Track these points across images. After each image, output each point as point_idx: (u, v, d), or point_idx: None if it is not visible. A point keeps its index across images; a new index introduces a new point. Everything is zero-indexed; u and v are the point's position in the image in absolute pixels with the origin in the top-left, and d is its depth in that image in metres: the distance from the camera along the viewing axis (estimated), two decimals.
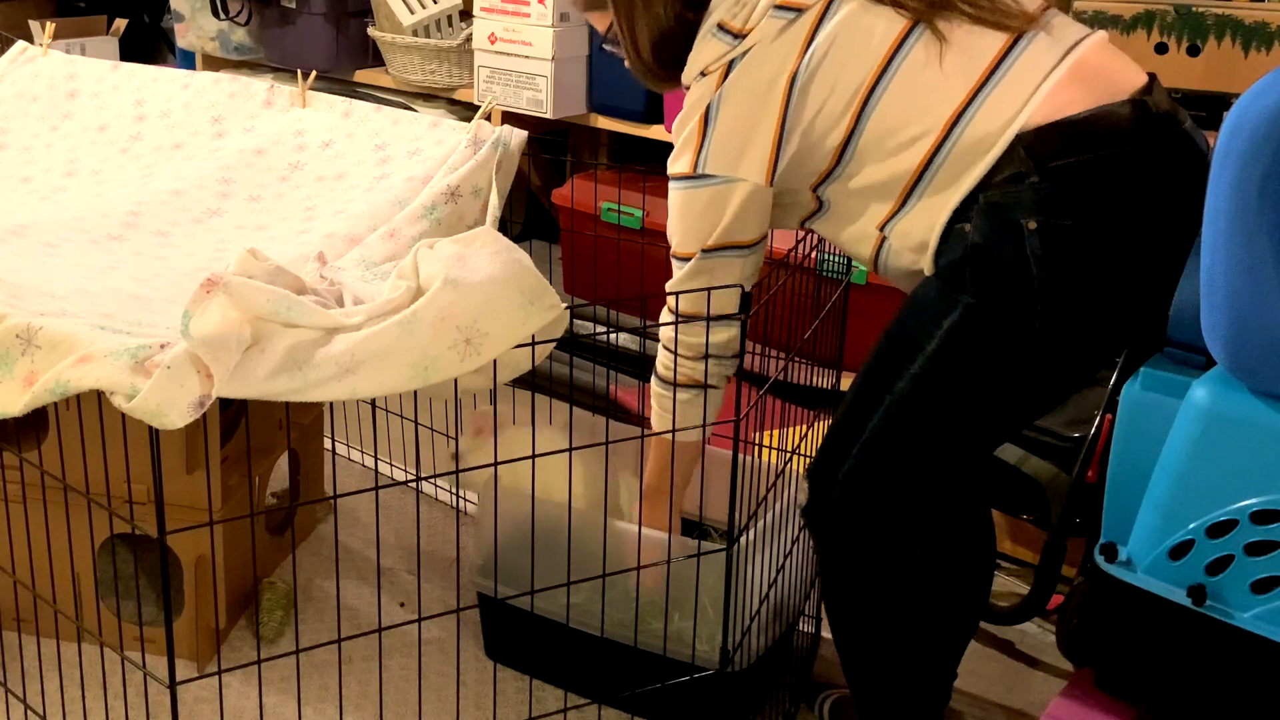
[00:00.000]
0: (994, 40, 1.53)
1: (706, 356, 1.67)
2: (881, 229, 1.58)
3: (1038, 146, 1.46)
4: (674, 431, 1.70)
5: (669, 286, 1.68)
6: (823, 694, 1.98)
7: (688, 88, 1.66)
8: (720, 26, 1.59)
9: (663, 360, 1.71)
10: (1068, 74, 1.50)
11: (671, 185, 1.64)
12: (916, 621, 1.68)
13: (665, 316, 1.69)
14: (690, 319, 1.65)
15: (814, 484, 1.65)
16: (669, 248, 1.68)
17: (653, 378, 1.74)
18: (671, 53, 1.67)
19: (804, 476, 1.67)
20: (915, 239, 1.56)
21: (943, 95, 1.51)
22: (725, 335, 1.66)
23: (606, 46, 1.79)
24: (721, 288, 1.62)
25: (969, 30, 1.53)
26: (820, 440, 1.68)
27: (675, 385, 1.69)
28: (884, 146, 1.54)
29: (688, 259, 1.65)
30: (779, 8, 1.57)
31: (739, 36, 1.57)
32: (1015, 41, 1.52)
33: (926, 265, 1.56)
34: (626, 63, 1.75)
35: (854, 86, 1.54)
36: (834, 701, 1.96)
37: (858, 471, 1.60)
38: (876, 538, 1.63)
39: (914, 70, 1.52)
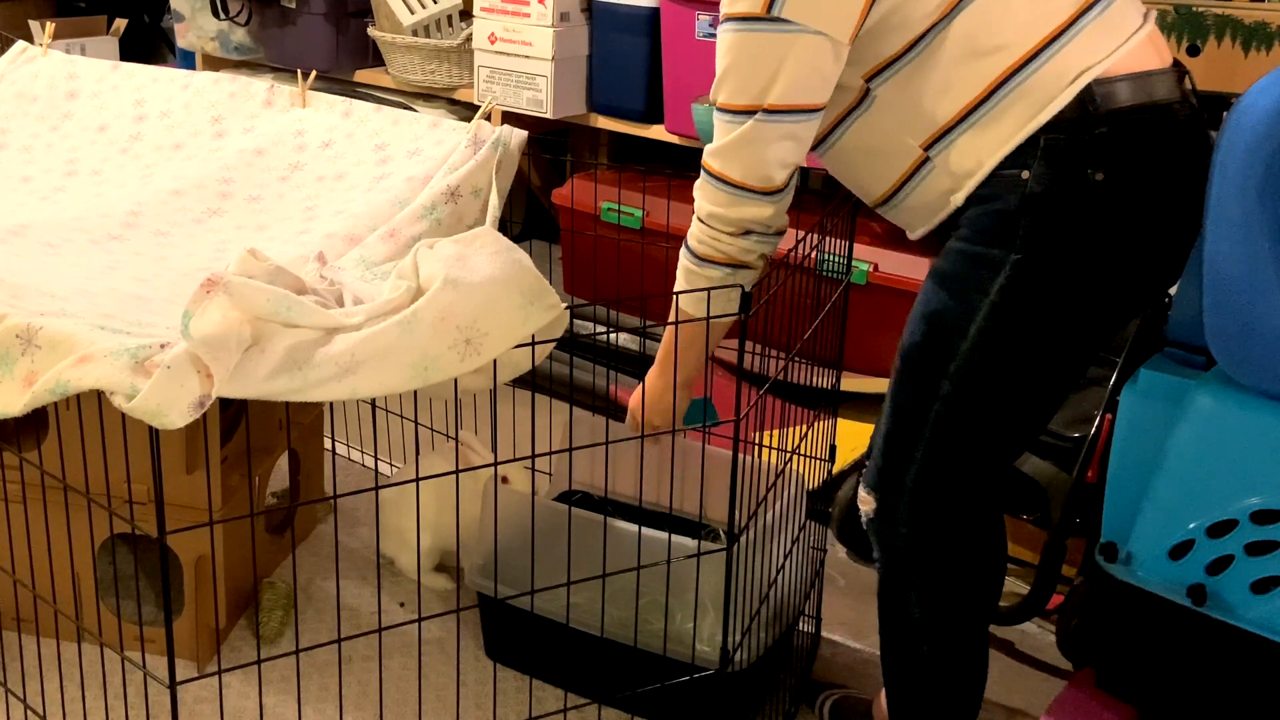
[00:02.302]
0: None
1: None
2: (927, 149, 1.51)
3: (1112, 96, 1.45)
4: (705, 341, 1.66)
5: (709, 150, 1.55)
6: (823, 694, 1.98)
7: None
8: None
9: (696, 233, 1.60)
10: (1148, 36, 1.50)
11: (728, 27, 1.49)
12: (974, 623, 1.67)
13: (703, 183, 1.57)
14: (736, 187, 1.53)
15: (882, 496, 1.61)
16: (666, 250, 1.65)
17: (683, 249, 1.63)
18: None
19: (868, 493, 1.63)
20: (964, 167, 1.49)
21: (1043, 12, 1.46)
22: (770, 210, 1.56)
23: None
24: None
25: None
26: (874, 452, 1.64)
27: (704, 260, 1.59)
28: (965, 46, 1.47)
29: (739, 113, 1.50)
30: None
31: None
32: None
33: (960, 197, 1.50)
34: None
35: None
36: (834, 702, 1.96)
37: (926, 473, 1.56)
38: (947, 539, 1.60)
39: None
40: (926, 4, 1.47)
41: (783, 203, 1.57)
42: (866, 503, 1.64)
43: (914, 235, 1.63)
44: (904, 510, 1.59)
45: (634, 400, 1.82)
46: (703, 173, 1.57)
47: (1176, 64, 1.53)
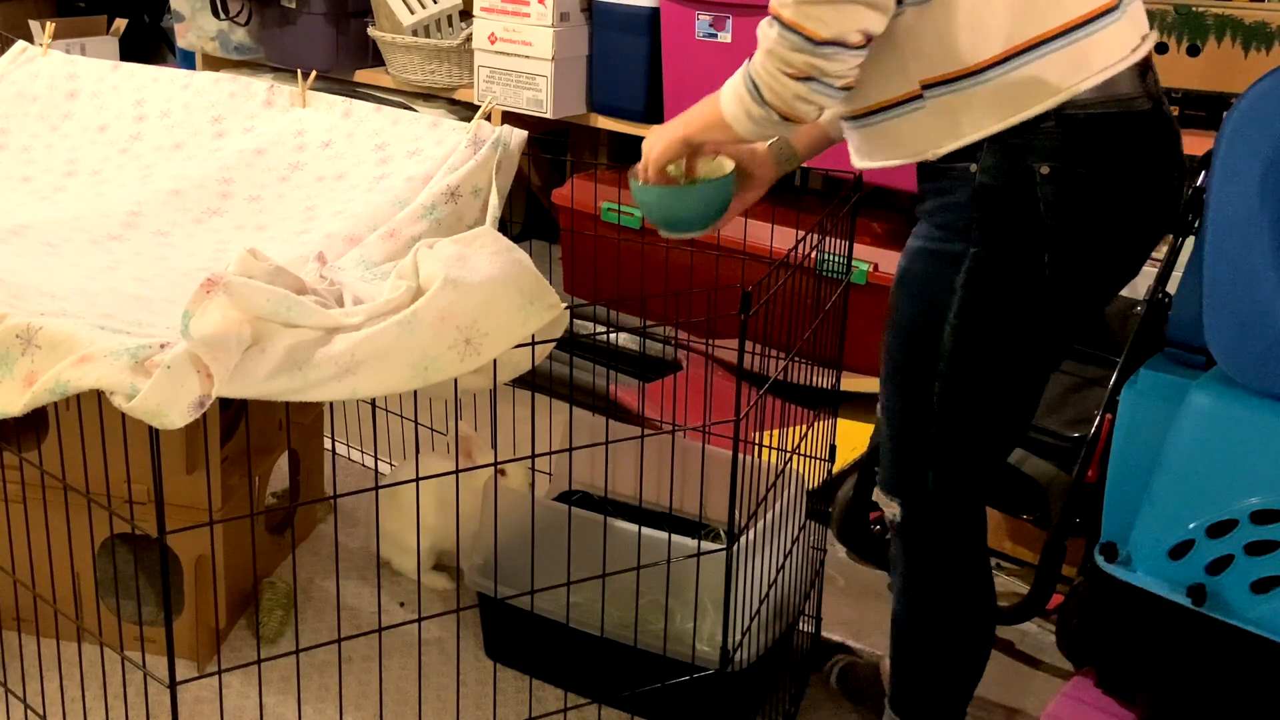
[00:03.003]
0: None
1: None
2: (926, 88, 1.48)
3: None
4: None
5: (781, 1, 1.45)
6: (832, 660, 1.99)
7: None
8: None
9: (762, 66, 1.49)
10: (1145, 57, 1.50)
11: None
12: (992, 598, 1.70)
13: (766, 27, 1.47)
14: (812, 41, 1.43)
15: (907, 500, 1.62)
16: (666, 250, 1.64)
17: (745, 79, 1.52)
18: None
19: (889, 499, 1.64)
20: (959, 122, 1.47)
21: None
22: (841, 66, 1.45)
23: None
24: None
25: None
26: (883, 458, 1.65)
27: (765, 104, 1.49)
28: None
29: None
30: None
31: None
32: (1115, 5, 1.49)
33: (939, 152, 1.46)
34: None
35: None
36: (842, 668, 1.98)
37: (945, 471, 1.59)
38: (972, 527, 1.64)
39: None
40: None
41: (856, 59, 1.46)
42: (890, 507, 1.66)
43: (865, 163, 1.58)
44: (934, 510, 1.61)
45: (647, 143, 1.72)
46: (777, 26, 1.45)
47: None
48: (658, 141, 1.69)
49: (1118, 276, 1.55)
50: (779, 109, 1.50)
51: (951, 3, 1.44)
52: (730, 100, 1.56)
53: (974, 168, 1.47)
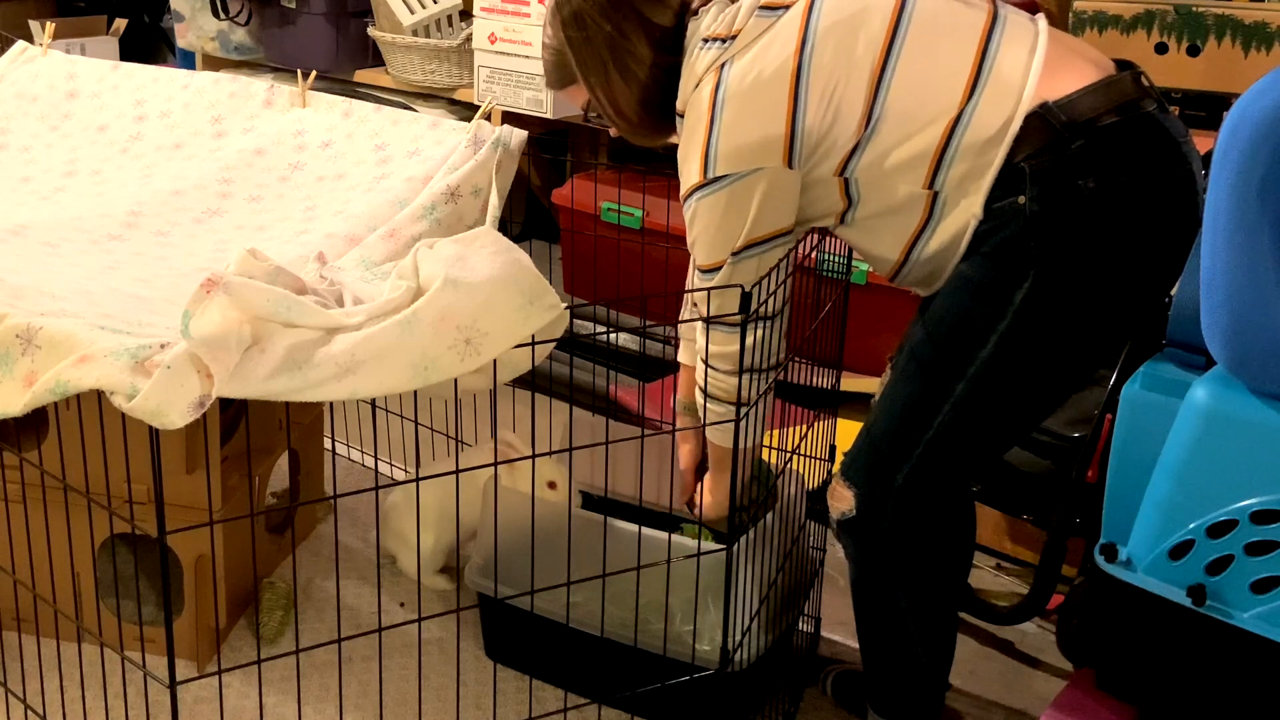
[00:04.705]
0: (977, 15, 1.54)
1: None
2: (931, 185, 1.54)
3: (1074, 112, 1.48)
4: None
5: (699, 300, 1.63)
6: (826, 669, 2.00)
7: (682, 114, 1.64)
8: (706, 40, 1.59)
9: (704, 374, 1.67)
10: (1051, 44, 1.53)
11: (689, 203, 1.60)
12: (946, 603, 1.71)
13: (698, 329, 1.65)
14: (719, 319, 1.60)
15: (866, 492, 1.62)
16: (666, 250, 1.66)
17: (696, 391, 1.72)
18: (659, 102, 1.66)
19: (846, 488, 1.65)
20: (970, 183, 1.52)
21: (947, 79, 1.51)
22: (762, 332, 1.63)
23: (590, 120, 1.77)
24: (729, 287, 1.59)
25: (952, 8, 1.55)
26: (859, 447, 1.66)
27: (715, 399, 1.66)
28: (904, 127, 1.53)
29: (716, 269, 1.61)
30: (764, 9, 1.57)
31: (727, 40, 1.57)
32: (995, 15, 1.55)
33: (978, 208, 1.52)
34: (613, 131, 1.74)
35: (866, 68, 1.52)
36: (835, 676, 1.98)
37: (920, 471, 1.59)
38: (930, 532, 1.63)
39: (915, 51, 1.52)
40: (853, 101, 1.52)
41: (774, 328, 1.64)
42: (844, 499, 1.65)
43: (938, 285, 1.62)
44: (890, 507, 1.61)
45: (706, 501, 1.90)
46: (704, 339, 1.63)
47: (1124, 64, 1.56)
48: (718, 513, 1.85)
49: (1165, 278, 1.57)
50: (730, 398, 1.63)
51: (881, 127, 1.52)
52: (712, 429, 1.72)
53: (1022, 200, 1.49)
